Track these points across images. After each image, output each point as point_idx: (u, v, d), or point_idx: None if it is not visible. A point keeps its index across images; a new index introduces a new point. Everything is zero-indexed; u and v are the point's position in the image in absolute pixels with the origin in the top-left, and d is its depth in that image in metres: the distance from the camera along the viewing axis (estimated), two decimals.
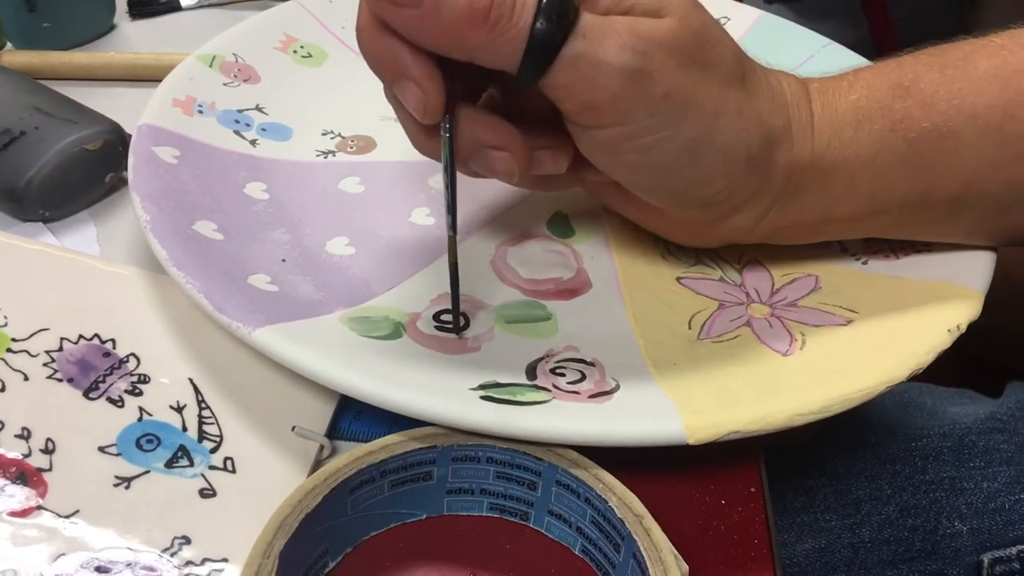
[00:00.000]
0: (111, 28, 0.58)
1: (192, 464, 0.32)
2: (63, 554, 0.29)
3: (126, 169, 0.39)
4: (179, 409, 0.34)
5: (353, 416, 0.34)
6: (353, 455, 0.29)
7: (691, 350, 0.35)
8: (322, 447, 0.32)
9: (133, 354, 0.35)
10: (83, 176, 0.43)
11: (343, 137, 0.46)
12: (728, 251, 0.40)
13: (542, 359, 0.34)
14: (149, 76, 0.51)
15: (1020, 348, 0.58)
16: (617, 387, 0.32)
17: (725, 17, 0.55)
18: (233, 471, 0.32)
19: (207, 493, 0.31)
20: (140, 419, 0.33)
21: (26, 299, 0.36)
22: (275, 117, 0.46)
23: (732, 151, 0.33)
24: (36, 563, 0.28)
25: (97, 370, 0.34)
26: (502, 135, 0.33)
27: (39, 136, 0.42)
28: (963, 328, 0.34)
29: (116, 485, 0.31)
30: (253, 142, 0.44)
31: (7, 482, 0.31)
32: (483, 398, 0.31)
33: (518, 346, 0.35)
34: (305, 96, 0.48)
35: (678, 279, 0.39)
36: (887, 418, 0.50)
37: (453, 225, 0.33)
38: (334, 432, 0.34)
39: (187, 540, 0.30)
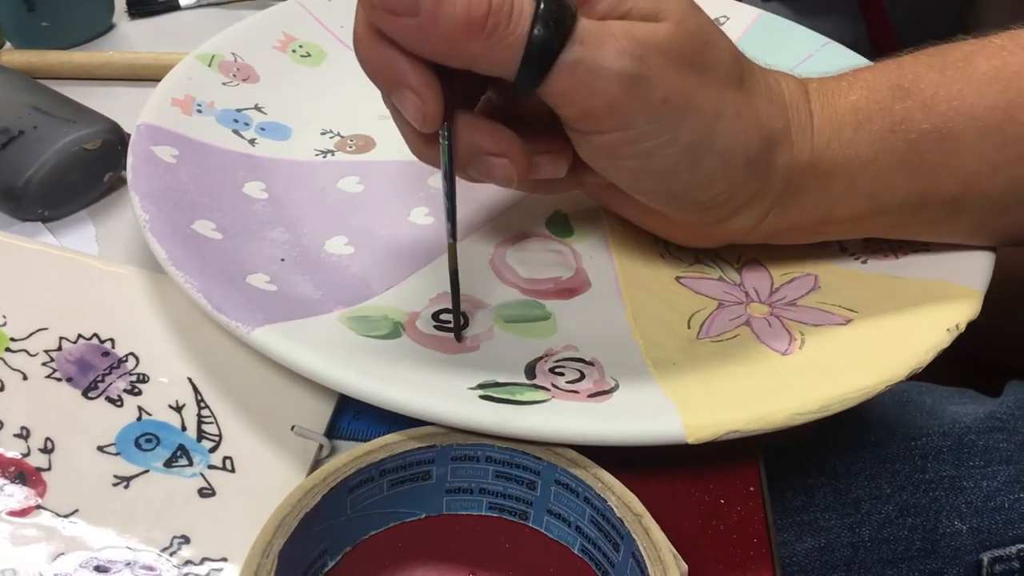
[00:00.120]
0: (110, 27, 0.58)
1: (191, 463, 0.32)
2: (62, 553, 0.29)
3: (125, 168, 0.39)
4: (178, 408, 0.34)
5: (352, 415, 0.34)
6: (352, 454, 0.29)
7: (690, 349, 0.35)
8: (321, 446, 0.32)
9: (132, 353, 0.35)
10: (82, 175, 0.43)
11: (342, 136, 0.46)
12: (727, 251, 0.40)
13: (541, 358, 0.34)
14: (148, 75, 0.51)
15: (1020, 347, 0.58)
16: (616, 386, 0.32)
17: (724, 16, 0.55)
18: (232, 470, 0.32)
19: (206, 492, 0.31)
20: (139, 418, 0.33)
21: (25, 298, 0.36)
22: (274, 116, 0.46)
23: (731, 154, 0.33)
24: (35, 562, 0.28)
25: (96, 369, 0.34)
26: (501, 141, 0.33)
27: (38, 136, 0.42)
28: (962, 327, 0.34)
29: (115, 484, 0.31)
30: (252, 141, 0.44)
31: (6, 481, 0.31)
32: (482, 397, 0.30)
33: (517, 345, 0.35)
34: (304, 95, 0.48)
35: (677, 279, 0.39)
36: (887, 417, 0.50)
37: (453, 233, 0.33)
38: (333, 431, 0.34)
39: (186, 539, 0.30)
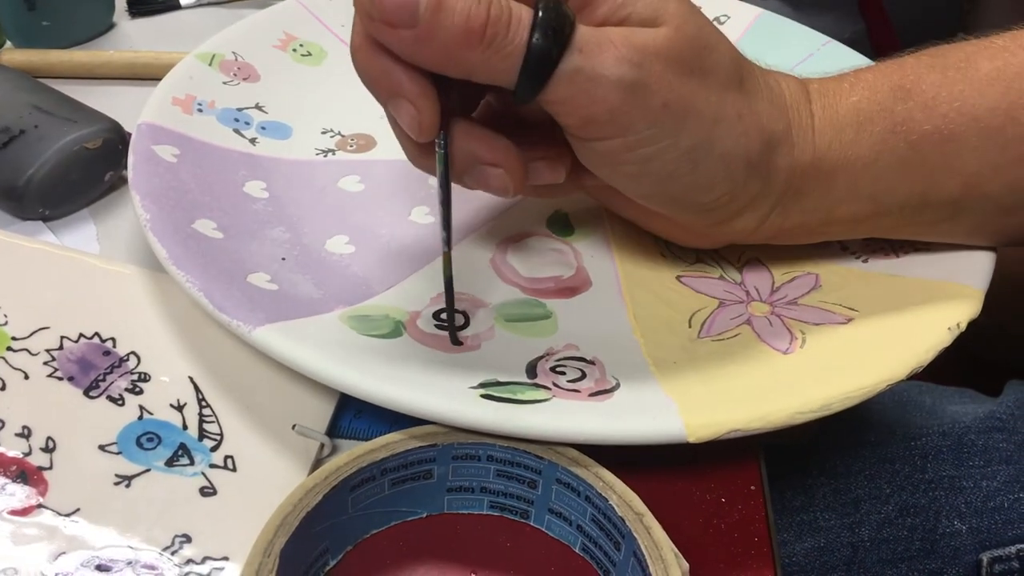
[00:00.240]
0: (110, 26, 0.58)
1: (192, 462, 0.32)
2: (64, 552, 0.29)
3: (126, 168, 0.39)
4: (179, 407, 0.34)
5: (353, 414, 0.34)
6: (353, 453, 0.29)
7: (691, 348, 0.35)
8: (322, 445, 0.32)
9: (133, 352, 0.35)
10: (83, 175, 0.43)
11: (343, 135, 0.46)
12: (728, 250, 0.40)
13: (542, 357, 0.34)
14: (149, 75, 0.51)
15: (1020, 347, 0.58)
16: (617, 385, 0.32)
17: (724, 15, 0.55)
18: (233, 469, 0.32)
19: (208, 491, 0.31)
20: (140, 417, 0.33)
21: (26, 298, 0.36)
22: (275, 115, 0.46)
23: (732, 157, 0.33)
24: (37, 561, 0.28)
25: (97, 369, 0.34)
26: (497, 151, 0.32)
27: (39, 135, 0.42)
28: (963, 327, 0.34)
29: (116, 483, 0.31)
30: (253, 140, 0.44)
31: (8, 480, 0.31)
32: (483, 396, 0.31)
33: (518, 344, 0.35)
34: (305, 94, 0.48)
35: (678, 277, 0.39)
36: (887, 417, 0.50)
37: (448, 241, 0.33)
38: (334, 430, 0.34)
39: (188, 538, 0.30)
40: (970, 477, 0.47)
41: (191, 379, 0.35)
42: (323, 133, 0.46)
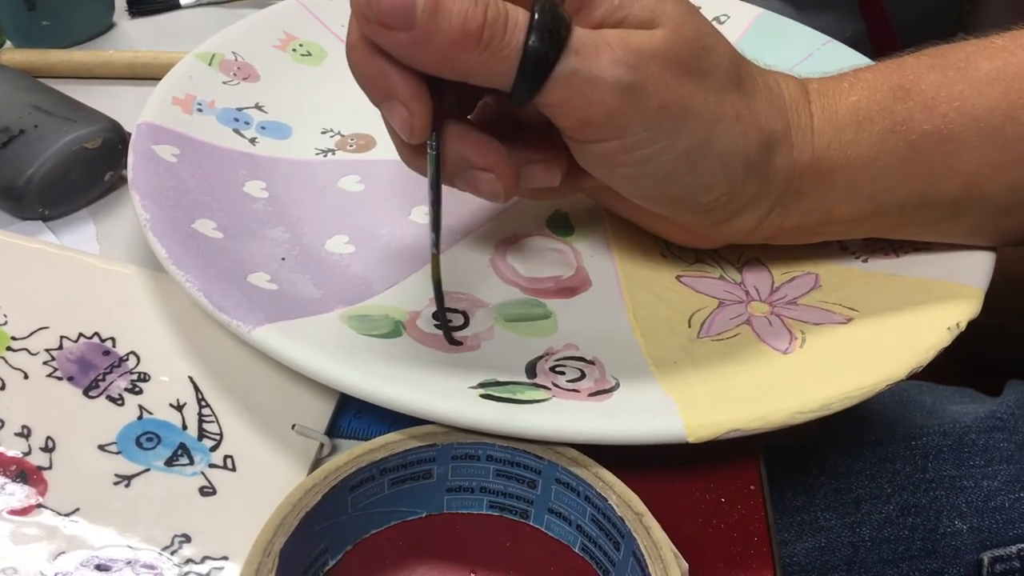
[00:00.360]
0: (110, 26, 0.58)
1: (192, 462, 0.32)
2: (63, 552, 0.29)
3: (125, 167, 0.39)
4: (179, 407, 0.34)
5: (353, 414, 0.34)
6: (353, 453, 0.29)
7: (691, 348, 0.35)
8: (322, 445, 0.32)
9: (133, 352, 0.35)
10: (83, 174, 0.43)
11: (343, 135, 0.46)
12: (728, 250, 0.40)
13: (542, 357, 0.34)
14: (148, 74, 0.51)
15: (1020, 347, 0.58)
16: (617, 385, 0.32)
17: (724, 15, 0.55)
18: (233, 469, 0.32)
19: (207, 491, 0.31)
20: (140, 417, 0.33)
21: (26, 297, 0.36)
22: (274, 115, 0.46)
23: (730, 157, 0.32)
24: (36, 561, 0.28)
25: (97, 368, 0.34)
26: (489, 156, 0.32)
27: (39, 134, 0.42)
28: (963, 326, 0.34)
29: (116, 483, 0.31)
30: (252, 140, 0.44)
31: (7, 480, 0.31)
32: (483, 396, 0.31)
33: (518, 344, 0.35)
34: (305, 94, 0.48)
35: (678, 277, 0.39)
36: (887, 417, 0.50)
37: (437, 243, 0.33)
38: (334, 430, 0.34)
39: (187, 538, 0.30)
40: (971, 477, 0.47)
41: (191, 379, 0.35)
42: (323, 133, 0.46)
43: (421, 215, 0.41)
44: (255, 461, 0.32)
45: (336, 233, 0.40)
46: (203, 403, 0.34)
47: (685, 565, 0.27)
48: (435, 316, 0.36)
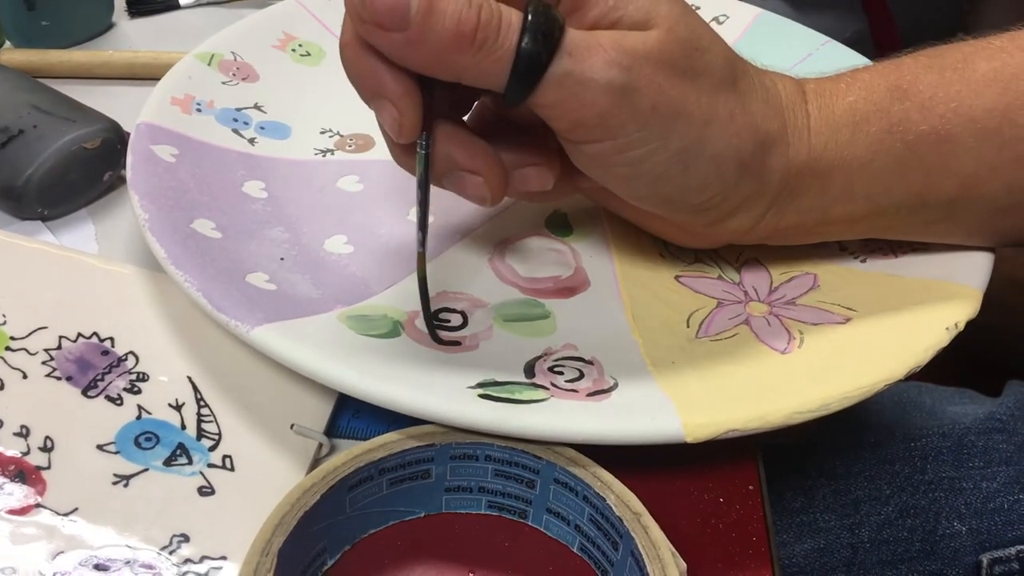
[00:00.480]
0: (110, 26, 0.58)
1: (191, 462, 0.32)
2: (62, 552, 0.29)
3: (124, 167, 0.39)
4: (178, 407, 0.34)
5: (352, 414, 0.34)
6: (351, 453, 0.29)
7: (689, 348, 0.35)
8: (321, 445, 0.32)
9: (132, 352, 0.35)
10: (82, 174, 0.43)
11: (342, 136, 0.46)
12: (726, 250, 0.40)
13: (540, 357, 0.34)
14: (147, 74, 0.51)
15: (1019, 348, 0.58)
16: (615, 385, 0.32)
17: (723, 15, 0.55)
18: (232, 469, 0.32)
19: (206, 491, 0.31)
20: (139, 417, 0.33)
21: (25, 297, 0.36)
22: (273, 115, 0.46)
23: (724, 157, 0.32)
24: (35, 561, 0.28)
25: (96, 368, 0.34)
26: (477, 159, 0.33)
27: (38, 134, 0.42)
28: (961, 326, 0.34)
29: (115, 483, 0.31)
30: (251, 140, 0.44)
31: (6, 480, 0.31)
32: (481, 396, 0.31)
33: (516, 344, 0.35)
34: (304, 94, 0.48)
35: (676, 277, 0.39)
36: (886, 418, 0.50)
37: (423, 242, 0.33)
38: (333, 430, 0.34)
39: (186, 538, 0.30)
40: (970, 478, 0.47)
41: (189, 379, 0.35)
42: (322, 133, 0.46)
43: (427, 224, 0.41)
44: (254, 461, 0.32)
45: (335, 233, 0.40)
46: (202, 403, 0.34)
47: (683, 565, 0.27)
48: (437, 315, 0.36)
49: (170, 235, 0.36)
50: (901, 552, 0.46)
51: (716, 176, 0.33)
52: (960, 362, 0.44)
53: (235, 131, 0.44)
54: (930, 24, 0.92)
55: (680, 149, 0.32)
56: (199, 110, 0.44)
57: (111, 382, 0.34)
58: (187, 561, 0.29)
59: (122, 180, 0.43)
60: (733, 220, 0.35)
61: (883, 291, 0.37)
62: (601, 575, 0.30)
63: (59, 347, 0.35)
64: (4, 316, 0.36)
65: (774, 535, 0.31)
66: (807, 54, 0.52)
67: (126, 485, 0.31)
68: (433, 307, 0.36)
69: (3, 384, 0.33)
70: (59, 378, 0.34)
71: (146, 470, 0.31)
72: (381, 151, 0.45)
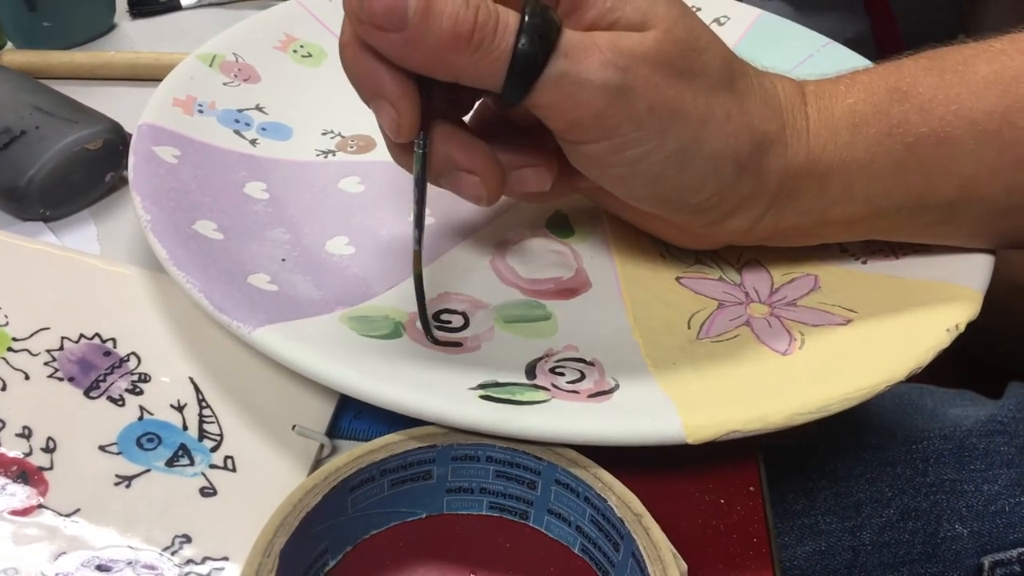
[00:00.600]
0: (111, 27, 0.58)
1: (193, 463, 0.32)
2: (64, 553, 0.29)
3: (126, 168, 0.39)
4: (180, 408, 0.34)
5: (353, 415, 0.34)
6: (353, 454, 0.29)
7: (690, 350, 0.35)
8: (322, 446, 0.32)
9: (134, 353, 0.35)
10: (83, 175, 0.43)
11: (343, 137, 0.46)
12: (727, 251, 0.40)
13: (541, 358, 0.34)
14: (149, 75, 0.51)
15: (1020, 350, 0.58)
16: (616, 386, 0.32)
17: (725, 16, 0.55)
18: (233, 470, 0.32)
19: (208, 492, 0.31)
20: (141, 418, 0.33)
21: (27, 298, 0.36)
22: (275, 117, 0.46)
23: (721, 158, 0.33)
24: (37, 562, 0.28)
25: (98, 369, 0.34)
26: (475, 158, 0.33)
27: (40, 135, 0.42)
28: (962, 328, 0.34)
29: (117, 484, 0.31)
30: (253, 142, 0.44)
31: (8, 481, 0.31)
32: (482, 397, 0.31)
33: (518, 345, 0.35)
34: (305, 96, 0.48)
35: (677, 279, 0.39)
36: (887, 420, 0.50)
37: (419, 239, 0.33)
38: (334, 431, 0.34)
39: (188, 539, 0.30)
40: (971, 481, 0.47)
41: (191, 380, 0.35)
42: (323, 134, 0.46)
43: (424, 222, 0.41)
44: (255, 462, 0.32)
45: (336, 234, 0.40)
46: (203, 404, 0.34)
47: (684, 566, 0.27)
48: (438, 316, 0.36)
49: (172, 236, 0.36)
50: (902, 555, 0.46)
51: (714, 176, 0.33)
52: (961, 364, 0.44)
53: (237, 132, 0.44)
54: (931, 24, 0.92)
55: (677, 149, 0.32)
56: (201, 111, 0.44)
57: (113, 383, 0.34)
58: (189, 562, 0.29)
59: (124, 181, 0.43)
60: (732, 220, 0.35)
61: (884, 292, 0.37)
62: None
63: (61, 348, 0.35)
64: (6, 317, 0.36)
65: (775, 537, 0.31)
66: (808, 55, 0.52)
67: (128, 486, 0.31)
68: (434, 308, 0.36)
69: (5, 385, 0.33)
70: (61, 379, 0.34)
71: (148, 471, 0.31)
72: (382, 152, 0.45)
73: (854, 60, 0.51)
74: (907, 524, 0.46)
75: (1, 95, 0.44)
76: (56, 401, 0.33)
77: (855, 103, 0.35)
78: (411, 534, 0.31)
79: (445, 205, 0.41)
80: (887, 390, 0.32)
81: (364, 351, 0.33)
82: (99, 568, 0.29)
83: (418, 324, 0.35)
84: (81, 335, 0.35)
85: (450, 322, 0.36)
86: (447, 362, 0.33)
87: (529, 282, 0.39)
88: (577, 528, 0.30)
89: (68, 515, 0.30)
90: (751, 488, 0.32)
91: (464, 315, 0.36)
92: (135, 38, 0.58)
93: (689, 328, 0.36)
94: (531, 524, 0.31)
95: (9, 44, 0.54)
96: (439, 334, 0.35)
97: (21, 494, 0.30)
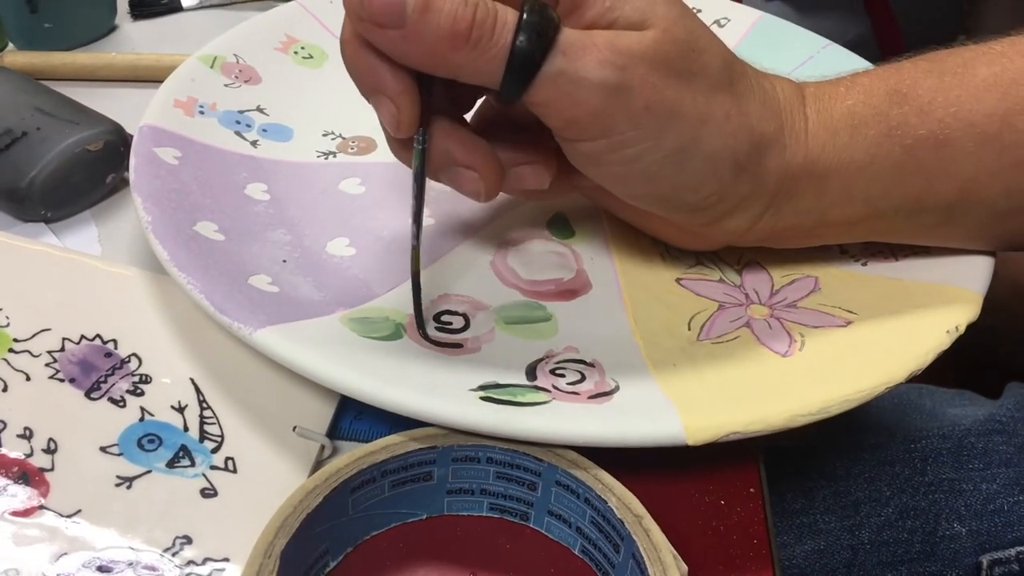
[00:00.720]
0: (112, 29, 0.58)
1: (193, 464, 0.32)
2: (65, 553, 0.29)
3: (127, 170, 0.39)
4: (180, 409, 0.34)
5: (354, 416, 0.34)
6: (354, 455, 0.29)
7: (691, 351, 0.35)
8: (323, 447, 0.32)
9: (134, 354, 0.35)
10: (85, 177, 0.43)
11: (344, 138, 0.46)
12: (727, 252, 0.40)
13: (542, 360, 0.34)
14: (150, 77, 0.51)
15: (1019, 351, 0.58)
16: (617, 388, 0.32)
17: (725, 18, 0.55)
18: (234, 471, 0.32)
19: (208, 493, 0.31)
20: (142, 419, 0.33)
21: (28, 299, 0.36)
22: (276, 118, 0.46)
23: (718, 157, 0.33)
24: (38, 563, 0.29)
25: (99, 370, 0.34)
26: (474, 154, 0.33)
27: (41, 137, 0.42)
28: (962, 329, 0.34)
29: (118, 485, 0.31)
30: (254, 143, 0.44)
31: (9, 482, 0.31)
32: (483, 399, 0.31)
33: (518, 347, 0.35)
34: (306, 97, 0.48)
35: (678, 280, 0.39)
36: (886, 420, 0.50)
37: (417, 235, 0.33)
38: (335, 432, 0.34)
39: (188, 540, 0.30)
40: (970, 480, 0.47)
41: (192, 381, 0.35)
42: (324, 135, 0.46)
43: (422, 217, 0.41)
44: (256, 463, 0.32)
45: (337, 235, 0.40)
46: (204, 405, 0.34)
47: (684, 567, 0.27)
48: (439, 318, 0.36)
49: (173, 237, 0.36)
50: (901, 553, 0.46)
51: (711, 176, 0.33)
52: (960, 365, 0.44)
53: (237, 133, 0.44)
54: (931, 24, 0.92)
55: (675, 148, 0.32)
56: (202, 112, 0.44)
57: (114, 384, 0.34)
58: (190, 563, 0.29)
59: (125, 182, 0.43)
60: (730, 220, 0.35)
61: (884, 294, 0.37)
62: None
63: (62, 349, 0.35)
64: (7, 318, 0.36)
65: (775, 537, 0.31)
66: (808, 57, 0.52)
67: (129, 487, 0.31)
68: (435, 309, 0.36)
69: (6, 386, 0.34)
70: (62, 380, 0.34)
71: (149, 472, 0.32)
72: (383, 154, 0.45)
73: (854, 62, 0.51)
74: (906, 523, 0.46)
75: (2, 96, 0.44)
76: (57, 402, 0.33)
77: (854, 105, 0.35)
78: (412, 535, 0.31)
79: (446, 206, 0.42)
80: (887, 391, 0.32)
81: (365, 352, 0.33)
82: (100, 569, 0.29)
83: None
84: (82, 336, 0.36)
85: (451, 323, 0.36)
86: (448, 363, 0.33)
87: (529, 283, 0.39)
88: (577, 529, 0.30)
89: (69, 516, 0.30)
90: (751, 489, 0.32)
91: (465, 316, 0.36)
92: (136, 39, 0.58)
93: (689, 329, 0.37)
94: (531, 525, 0.31)
95: (10, 45, 0.54)
96: (439, 335, 0.35)
97: (22, 495, 0.30)
